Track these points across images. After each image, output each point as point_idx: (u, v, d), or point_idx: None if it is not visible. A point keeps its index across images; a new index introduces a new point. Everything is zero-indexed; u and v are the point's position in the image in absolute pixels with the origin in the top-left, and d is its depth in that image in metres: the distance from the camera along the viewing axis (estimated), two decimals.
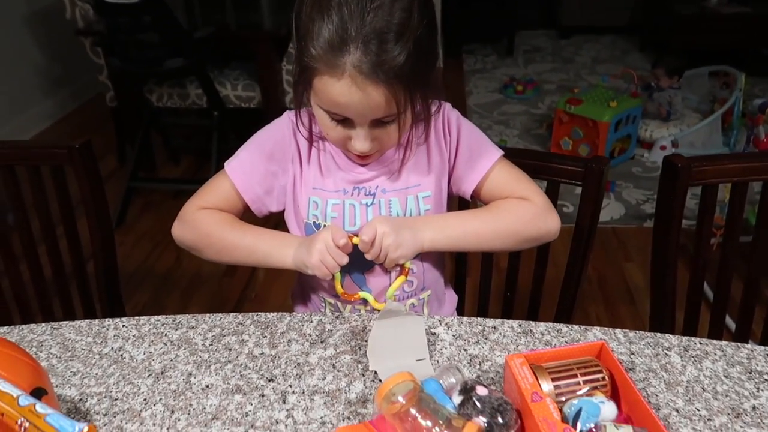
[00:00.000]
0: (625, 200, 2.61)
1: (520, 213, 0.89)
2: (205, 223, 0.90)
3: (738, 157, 1.05)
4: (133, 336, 0.84)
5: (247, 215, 0.95)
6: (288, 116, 0.92)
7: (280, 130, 0.92)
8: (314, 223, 0.91)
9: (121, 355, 0.81)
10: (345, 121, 0.79)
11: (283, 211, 0.96)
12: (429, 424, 0.65)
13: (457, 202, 1.01)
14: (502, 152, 0.93)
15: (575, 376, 0.70)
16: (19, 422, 0.51)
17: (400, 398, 0.66)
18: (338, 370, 0.78)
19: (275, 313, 0.87)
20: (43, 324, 0.87)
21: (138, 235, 2.52)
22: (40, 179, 1.13)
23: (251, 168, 0.91)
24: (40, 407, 0.52)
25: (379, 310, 0.85)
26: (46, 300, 1.22)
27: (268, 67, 2.61)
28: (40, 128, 3.46)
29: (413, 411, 0.66)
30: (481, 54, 4.49)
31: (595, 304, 2.04)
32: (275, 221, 0.97)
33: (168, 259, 2.35)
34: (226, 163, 0.93)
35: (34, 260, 1.18)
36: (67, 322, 0.88)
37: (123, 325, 0.86)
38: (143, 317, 0.88)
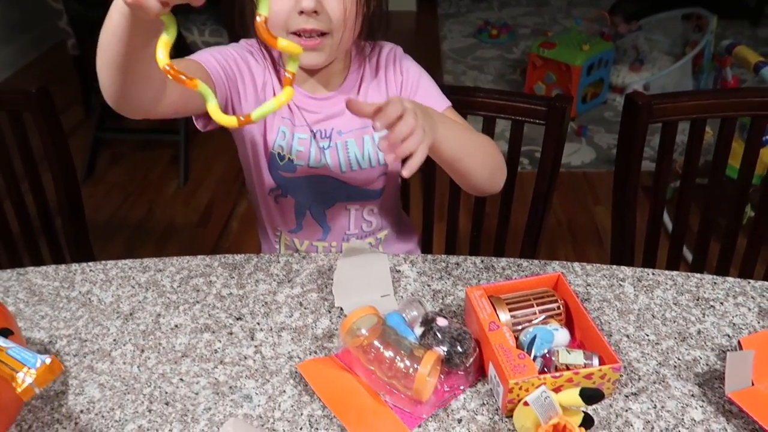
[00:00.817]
0: (596, 144, 2.64)
1: (497, 157, 0.86)
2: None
3: (698, 94, 1.07)
4: (101, 280, 0.85)
5: None
6: (245, 42, 0.89)
7: (243, 49, 0.87)
8: (279, 154, 0.90)
9: (89, 299, 0.82)
10: None
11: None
12: (391, 354, 0.67)
13: None
14: (449, 103, 0.90)
15: (531, 306, 0.73)
16: None
17: (364, 331, 0.68)
18: (305, 308, 0.80)
19: (243, 255, 0.88)
20: (9, 270, 0.87)
21: (108, 186, 2.48)
22: None
23: (220, 56, 0.84)
24: (2, 342, 0.53)
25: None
26: (16, 255, 1.21)
27: (236, 11, 2.53)
28: (0, 77, 3.34)
29: (376, 343, 0.68)
30: None
31: (563, 246, 2.09)
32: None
33: (140, 210, 2.33)
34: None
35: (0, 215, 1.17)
36: (33, 267, 0.88)
37: (90, 270, 0.87)
38: (110, 261, 0.88)
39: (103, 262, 0.88)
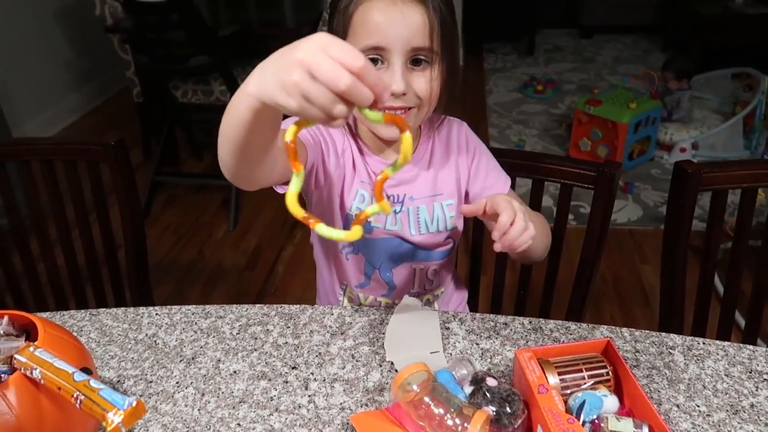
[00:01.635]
0: (642, 202, 2.62)
1: (549, 233, 0.97)
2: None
3: (748, 164, 1.07)
4: (166, 324, 0.90)
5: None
6: None
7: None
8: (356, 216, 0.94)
9: (155, 341, 0.87)
10: (380, 65, 0.79)
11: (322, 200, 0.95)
12: (441, 411, 0.69)
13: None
14: (510, 180, 0.99)
15: (581, 370, 0.74)
16: (75, 395, 0.57)
17: (415, 387, 0.71)
18: (357, 360, 0.82)
19: (298, 306, 0.92)
20: (82, 311, 0.93)
21: (162, 227, 2.59)
22: (75, 173, 1.19)
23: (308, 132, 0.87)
24: (94, 383, 0.58)
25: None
26: (79, 286, 1.29)
27: None
28: (67, 122, 3.56)
29: (427, 399, 0.70)
30: (502, 53, 4.50)
31: (609, 304, 2.06)
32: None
33: (191, 251, 2.43)
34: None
35: (68, 248, 1.25)
36: (104, 309, 0.94)
37: (156, 314, 0.92)
38: (175, 306, 0.93)
39: (169, 306, 0.93)
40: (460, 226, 1.00)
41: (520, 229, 0.74)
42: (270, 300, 2.13)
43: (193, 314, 0.92)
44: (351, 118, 0.93)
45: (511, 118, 3.44)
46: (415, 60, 0.81)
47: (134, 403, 0.55)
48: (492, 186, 0.97)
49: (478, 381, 0.73)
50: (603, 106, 2.79)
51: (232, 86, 2.69)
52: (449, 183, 0.95)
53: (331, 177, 0.91)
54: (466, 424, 0.67)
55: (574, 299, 1.15)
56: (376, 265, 0.97)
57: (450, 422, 0.68)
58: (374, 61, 0.80)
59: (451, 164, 0.96)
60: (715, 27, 3.74)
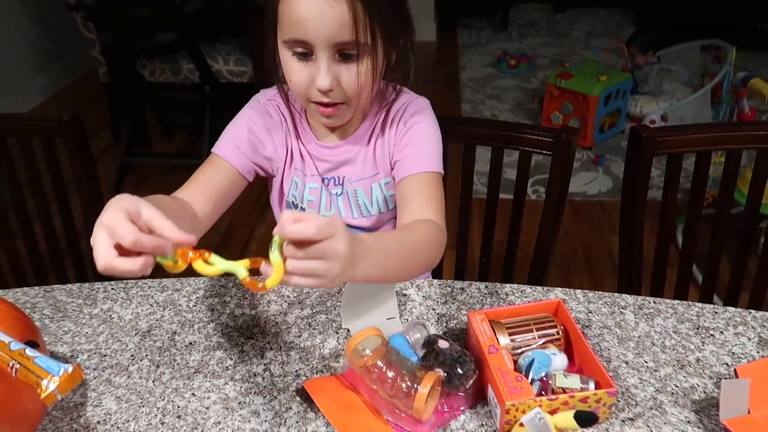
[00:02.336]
0: (613, 174, 2.65)
1: (431, 256, 0.78)
2: None
3: (702, 127, 1.08)
4: (122, 298, 0.90)
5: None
6: (260, 94, 0.95)
7: (254, 106, 0.94)
8: (293, 203, 0.95)
9: (110, 316, 0.86)
10: (308, 57, 0.78)
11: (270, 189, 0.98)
12: (393, 374, 0.70)
13: None
14: (436, 170, 0.87)
15: (531, 330, 0.75)
16: (10, 365, 0.56)
17: (368, 351, 0.71)
18: (313, 328, 0.83)
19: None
20: (36, 287, 0.92)
21: None
22: (31, 152, 1.17)
23: (237, 139, 0.91)
24: (30, 351, 0.57)
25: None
26: (43, 273, 1.27)
27: (261, 41, 2.61)
28: (33, 104, 3.48)
29: (379, 363, 0.71)
30: (476, 28, 4.48)
31: (579, 275, 2.09)
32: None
33: None
34: (213, 149, 0.92)
35: (29, 236, 1.22)
36: (58, 285, 0.93)
37: (112, 288, 0.91)
38: (131, 281, 0.93)
39: (124, 281, 0.93)
40: None
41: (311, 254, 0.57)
42: None
43: (149, 288, 0.91)
44: (296, 105, 0.93)
45: (485, 93, 3.44)
46: (342, 54, 0.78)
47: (70, 369, 0.55)
48: (404, 161, 0.88)
49: (430, 344, 0.74)
50: (574, 80, 2.80)
51: (200, 64, 2.64)
52: (385, 160, 0.92)
53: (270, 170, 0.94)
54: (417, 386, 0.68)
55: (534, 265, 1.16)
56: None
57: (402, 384, 0.69)
58: (303, 55, 0.79)
59: (386, 138, 0.92)
60: (685, 0, 3.75)
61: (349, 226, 0.95)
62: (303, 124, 0.94)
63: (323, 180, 0.93)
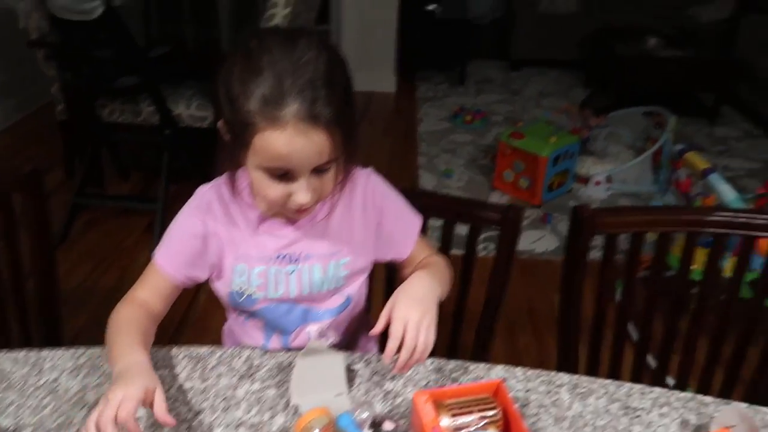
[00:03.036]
0: (559, 233, 2.76)
1: (451, 281, 1.01)
2: (113, 321, 0.90)
3: (637, 211, 1.17)
4: (70, 367, 0.89)
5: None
6: (200, 192, 0.96)
7: (192, 209, 0.96)
8: (238, 291, 0.96)
9: (56, 387, 0.86)
10: (285, 176, 0.82)
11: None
12: None
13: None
14: (419, 220, 1.03)
15: (472, 412, 0.79)
16: None
17: (317, 431, 0.74)
18: (262, 404, 0.84)
19: (208, 348, 0.93)
20: None
21: (81, 252, 2.51)
22: None
23: (176, 253, 0.94)
24: None
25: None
26: None
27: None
28: None
29: None
30: (435, 81, 4.64)
31: (524, 335, 2.15)
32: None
33: (110, 278, 2.36)
34: (155, 252, 0.96)
35: None
36: (3, 352, 0.91)
37: (59, 357, 0.91)
38: (81, 348, 0.92)
39: (74, 348, 0.92)
40: (360, 279, 1.01)
41: (410, 349, 0.79)
42: (191, 330, 2.10)
43: (99, 357, 0.91)
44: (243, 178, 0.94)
45: (441, 147, 3.54)
46: (320, 169, 0.82)
47: None
48: (401, 235, 1.02)
49: (376, 425, 0.77)
50: (525, 140, 2.93)
51: (161, 108, 2.65)
52: (348, 240, 0.96)
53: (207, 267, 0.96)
54: None
55: (481, 333, 1.21)
56: (273, 330, 1.00)
57: None
58: (280, 177, 0.82)
59: (354, 219, 0.97)
60: (631, 67, 3.99)
61: (300, 304, 0.98)
62: (254, 205, 0.94)
63: (277, 257, 0.95)
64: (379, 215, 0.99)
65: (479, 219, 1.13)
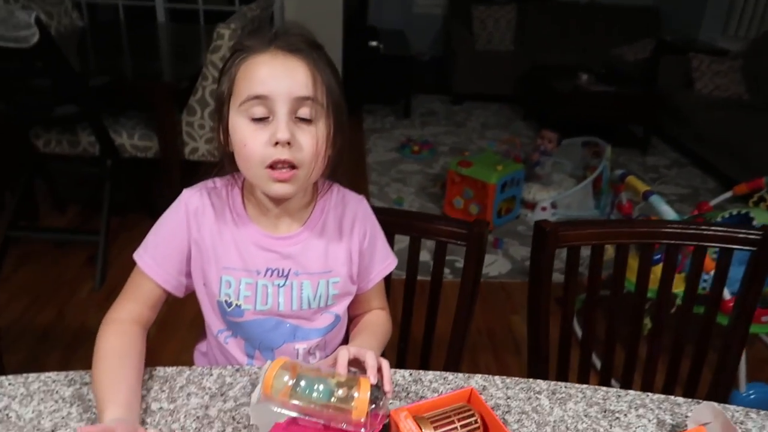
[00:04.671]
0: (511, 256, 2.81)
1: (388, 334, 1.05)
2: (100, 343, 0.86)
3: (596, 224, 1.21)
4: (21, 394, 0.82)
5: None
6: (185, 196, 0.93)
7: (178, 212, 0.92)
8: (226, 301, 0.92)
9: (7, 414, 0.78)
10: (265, 120, 0.81)
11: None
12: (321, 389, 0.73)
13: None
14: (394, 262, 1.05)
15: (453, 422, 0.77)
16: None
17: (285, 378, 0.73)
18: (238, 422, 0.80)
19: (175, 367, 0.88)
20: None
21: (15, 288, 2.35)
22: None
23: (162, 257, 0.91)
24: None
25: None
26: None
27: (167, 118, 2.60)
28: None
29: (302, 383, 0.73)
30: (381, 114, 4.71)
31: (484, 354, 2.16)
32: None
33: (48, 314, 2.22)
34: (136, 256, 0.92)
35: None
36: None
37: (9, 384, 0.83)
38: (32, 374, 0.85)
39: (25, 375, 0.85)
40: (347, 299, 1.00)
41: (387, 365, 0.80)
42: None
43: (53, 382, 0.84)
44: (231, 186, 0.93)
45: (390, 176, 3.58)
46: (301, 118, 0.82)
47: None
48: (376, 269, 1.02)
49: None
50: (473, 168, 3.00)
51: (102, 138, 2.56)
52: (339, 259, 0.95)
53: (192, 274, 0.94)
54: (355, 394, 0.72)
55: (451, 351, 1.20)
56: (256, 347, 0.96)
57: (334, 398, 0.72)
58: (259, 118, 0.81)
59: (344, 240, 0.96)
60: (566, 101, 4.20)
61: (284, 319, 0.94)
62: (244, 217, 0.93)
63: (267, 272, 0.92)
64: (365, 242, 0.98)
65: (446, 234, 1.14)
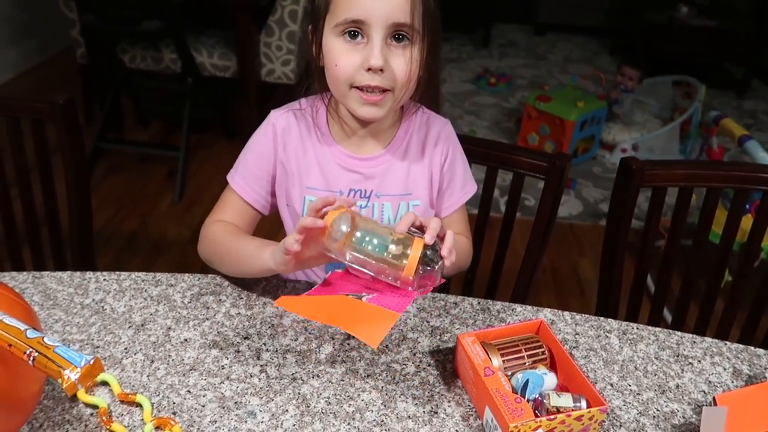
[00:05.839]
0: (584, 198, 2.73)
1: (469, 257, 1.05)
2: (212, 234, 0.92)
3: (688, 164, 1.14)
4: (114, 290, 0.88)
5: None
6: (273, 116, 0.94)
7: (266, 133, 0.94)
8: None
9: (102, 307, 0.85)
10: (361, 38, 0.80)
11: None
12: (376, 242, 0.73)
13: None
14: (474, 189, 1.02)
15: (520, 351, 0.77)
16: (27, 352, 0.55)
17: (344, 228, 0.73)
18: (309, 333, 0.83)
19: (253, 278, 0.92)
20: (24, 273, 0.90)
21: (102, 196, 2.50)
22: (19, 130, 1.15)
23: (251, 176, 0.94)
24: (48, 340, 0.56)
25: None
26: (16, 248, 1.24)
27: (247, 37, 2.60)
28: (2, 79, 3.37)
29: (358, 234, 0.74)
30: (458, 43, 4.54)
31: (547, 294, 2.15)
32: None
33: (132, 223, 2.36)
34: (228, 177, 0.95)
35: (6, 206, 1.19)
36: (48, 272, 0.91)
37: (104, 279, 0.90)
38: (124, 273, 0.91)
39: (117, 272, 0.91)
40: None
41: (451, 234, 0.76)
42: None
43: (143, 281, 0.90)
44: (318, 107, 0.93)
45: (463, 108, 3.49)
46: (396, 37, 0.80)
47: (92, 361, 0.54)
48: (455, 194, 0.99)
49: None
50: (552, 103, 2.88)
51: (185, 55, 2.61)
52: (420, 182, 0.95)
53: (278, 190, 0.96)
54: (408, 251, 0.72)
55: (518, 286, 1.20)
56: (334, 266, 0.98)
57: (387, 254, 0.72)
58: (353, 34, 0.80)
59: (425, 162, 0.95)
60: (660, 35, 3.89)
61: None
62: (328, 137, 0.93)
63: (349, 192, 0.93)
64: (445, 163, 0.97)
65: (525, 165, 1.11)
